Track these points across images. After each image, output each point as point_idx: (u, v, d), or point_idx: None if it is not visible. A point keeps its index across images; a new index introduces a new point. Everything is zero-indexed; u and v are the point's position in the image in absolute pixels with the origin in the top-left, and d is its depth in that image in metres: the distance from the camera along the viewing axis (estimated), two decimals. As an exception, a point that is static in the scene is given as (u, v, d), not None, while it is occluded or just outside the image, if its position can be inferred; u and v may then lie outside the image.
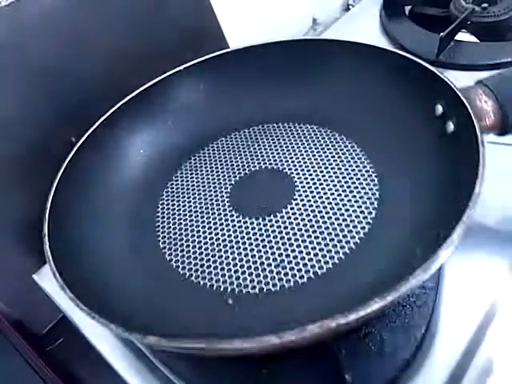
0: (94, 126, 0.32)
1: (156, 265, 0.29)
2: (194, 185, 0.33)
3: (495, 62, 0.41)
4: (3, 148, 0.32)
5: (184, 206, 0.32)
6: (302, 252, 0.27)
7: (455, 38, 0.43)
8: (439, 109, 0.27)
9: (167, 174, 0.34)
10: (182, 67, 0.36)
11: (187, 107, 0.37)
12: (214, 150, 0.35)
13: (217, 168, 0.34)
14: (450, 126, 0.26)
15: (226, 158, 0.34)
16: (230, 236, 0.29)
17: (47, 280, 0.34)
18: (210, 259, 0.28)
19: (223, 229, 0.29)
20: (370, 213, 0.28)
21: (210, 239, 0.29)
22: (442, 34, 0.41)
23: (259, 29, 0.54)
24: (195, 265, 0.28)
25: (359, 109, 0.33)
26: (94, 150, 0.32)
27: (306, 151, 0.33)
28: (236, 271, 0.27)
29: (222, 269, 0.27)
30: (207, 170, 0.34)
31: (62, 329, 0.34)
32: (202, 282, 0.27)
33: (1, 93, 0.31)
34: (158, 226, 0.31)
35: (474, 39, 0.45)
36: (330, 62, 0.35)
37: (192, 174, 0.34)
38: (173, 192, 0.33)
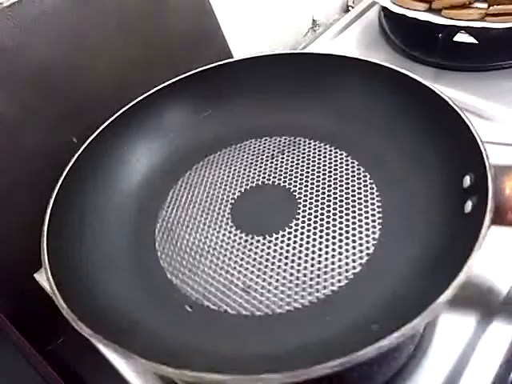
0: (94, 135, 0.31)
1: (153, 276, 0.28)
2: (194, 198, 0.32)
3: (494, 64, 0.41)
4: (3, 148, 0.32)
5: (184, 218, 0.31)
6: (281, 282, 0.26)
7: (454, 38, 0.44)
8: (467, 181, 0.24)
9: (166, 187, 0.33)
10: (181, 77, 0.35)
11: (186, 118, 0.36)
12: (214, 162, 0.35)
13: (217, 181, 0.33)
14: (468, 207, 0.23)
15: (226, 171, 0.34)
16: (226, 251, 0.28)
17: (48, 279, 0.34)
18: (207, 278, 0.27)
19: (224, 246, 0.29)
20: (373, 238, 0.27)
21: (206, 252, 0.28)
22: (440, 34, 0.42)
23: (259, 29, 0.54)
24: (195, 282, 0.27)
25: (371, 131, 0.32)
26: (93, 160, 0.31)
27: (308, 167, 0.32)
28: (213, 287, 0.27)
29: (212, 286, 0.27)
30: (208, 183, 0.33)
31: (62, 328, 0.34)
32: (185, 293, 0.27)
33: (1, 93, 0.31)
34: (157, 236, 0.30)
35: (472, 40, 0.45)
36: (341, 80, 0.34)
37: (192, 186, 0.33)
38: (173, 205, 0.32)
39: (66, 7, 0.33)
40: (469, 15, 0.39)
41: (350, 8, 0.62)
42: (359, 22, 0.54)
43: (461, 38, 0.45)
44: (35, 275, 0.35)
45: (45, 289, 0.34)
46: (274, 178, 0.32)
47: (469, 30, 0.42)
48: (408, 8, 0.43)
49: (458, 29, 0.43)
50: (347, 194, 0.30)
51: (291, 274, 0.26)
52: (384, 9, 0.47)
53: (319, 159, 0.33)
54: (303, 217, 0.29)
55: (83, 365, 0.33)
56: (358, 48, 0.50)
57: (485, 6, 0.39)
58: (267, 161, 0.33)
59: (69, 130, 0.35)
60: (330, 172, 0.31)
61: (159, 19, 0.39)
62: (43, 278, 0.34)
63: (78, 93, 0.35)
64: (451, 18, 0.40)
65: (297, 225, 0.28)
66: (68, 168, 0.29)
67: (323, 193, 0.30)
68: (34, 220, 0.34)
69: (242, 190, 0.32)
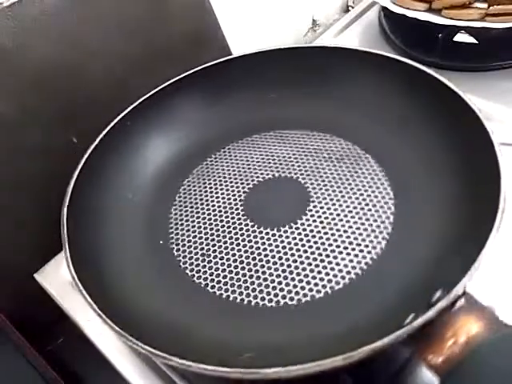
0: (108, 129, 0.32)
1: (168, 269, 0.28)
2: (207, 189, 0.33)
3: (494, 64, 0.41)
4: (3, 148, 0.32)
5: (197, 212, 0.31)
6: (298, 274, 0.26)
7: (454, 38, 0.44)
8: (435, 296, 0.21)
9: (178, 181, 0.34)
10: (190, 72, 0.35)
11: (197, 113, 0.37)
12: (227, 155, 0.35)
13: (230, 174, 0.33)
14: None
15: (239, 163, 0.34)
16: (238, 245, 0.28)
17: (49, 279, 0.34)
18: (219, 267, 0.28)
19: (237, 238, 0.29)
20: (383, 231, 0.27)
21: (221, 247, 0.29)
22: (440, 34, 0.42)
23: (259, 29, 0.54)
24: (207, 272, 0.28)
25: (381, 125, 0.32)
26: (106, 154, 0.32)
27: (320, 160, 0.32)
28: (242, 281, 0.27)
29: (225, 276, 0.27)
30: (221, 175, 0.33)
31: (62, 328, 0.34)
32: (211, 290, 0.27)
33: (1, 93, 0.31)
34: (172, 232, 0.30)
35: (472, 40, 0.45)
36: (350, 72, 0.34)
37: (205, 178, 0.33)
38: (185, 198, 0.32)
39: (66, 7, 0.33)
40: (469, 15, 0.39)
41: (350, 8, 0.62)
42: (359, 22, 0.54)
43: (461, 37, 0.45)
44: (35, 275, 0.35)
45: (46, 288, 0.34)
46: (287, 171, 0.32)
47: (469, 30, 0.42)
48: (408, 8, 0.43)
49: (457, 29, 0.43)
50: (360, 188, 0.30)
51: (297, 267, 0.26)
52: (384, 9, 0.47)
53: (329, 152, 0.33)
54: (314, 211, 0.29)
55: (83, 365, 0.33)
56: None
57: (485, 5, 0.39)
58: (280, 154, 0.34)
59: (69, 130, 0.35)
60: (342, 166, 0.32)
61: (159, 19, 0.39)
62: (44, 278, 0.34)
63: (78, 93, 0.35)
64: (451, 18, 0.40)
65: (307, 219, 0.29)
66: (82, 162, 0.30)
67: (334, 187, 0.30)
68: (34, 220, 0.35)
69: (254, 183, 0.32)
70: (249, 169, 0.33)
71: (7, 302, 0.35)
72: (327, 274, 0.26)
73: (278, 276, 0.26)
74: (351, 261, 0.26)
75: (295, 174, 0.32)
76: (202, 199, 0.32)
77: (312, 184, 0.31)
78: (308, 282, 0.26)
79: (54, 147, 0.34)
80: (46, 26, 0.32)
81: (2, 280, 0.35)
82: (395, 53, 0.47)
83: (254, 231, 0.29)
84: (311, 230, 0.28)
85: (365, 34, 0.52)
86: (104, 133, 0.32)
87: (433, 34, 0.44)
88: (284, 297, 0.25)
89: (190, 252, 0.29)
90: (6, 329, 0.31)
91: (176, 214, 0.32)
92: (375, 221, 0.28)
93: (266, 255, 0.27)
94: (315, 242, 0.27)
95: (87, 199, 0.29)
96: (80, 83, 0.35)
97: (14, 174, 0.33)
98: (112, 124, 0.32)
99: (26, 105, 0.32)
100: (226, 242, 0.29)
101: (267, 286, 0.26)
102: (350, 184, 0.30)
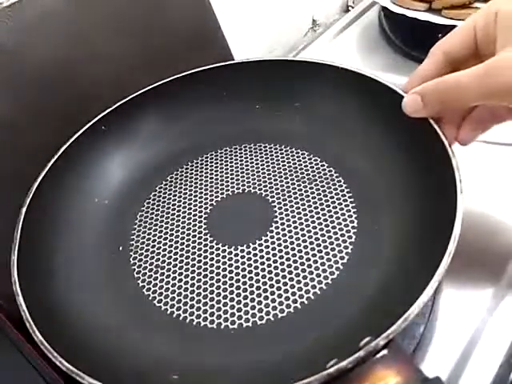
0: (65, 147, 0.31)
1: (120, 277, 0.28)
2: (170, 205, 0.32)
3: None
4: (3, 148, 0.32)
5: (161, 223, 0.31)
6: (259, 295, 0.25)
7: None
8: (362, 343, 0.19)
9: (143, 194, 0.33)
10: (157, 84, 0.35)
11: (162, 126, 0.36)
12: (191, 170, 0.34)
13: (194, 190, 0.33)
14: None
15: (203, 179, 0.33)
16: (194, 260, 0.28)
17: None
18: (169, 281, 0.27)
19: (193, 253, 0.28)
20: (338, 261, 0.26)
21: (176, 261, 0.28)
22: (440, 34, 0.42)
23: (259, 29, 0.54)
24: (157, 285, 0.27)
25: (350, 140, 0.32)
26: (68, 168, 0.32)
27: (288, 177, 0.32)
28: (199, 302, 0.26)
29: (173, 291, 0.27)
30: (184, 192, 0.33)
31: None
32: (169, 311, 0.26)
33: (1, 93, 0.31)
34: (132, 250, 0.30)
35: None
36: (321, 87, 0.33)
37: (168, 194, 0.33)
38: (149, 212, 0.32)
39: (66, 7, 0.33)
40: (469, 15, 0.39)
41: (350, 8, 0.62)
42: (359, 22, 0.54)
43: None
44: (35, 275, 0.35)
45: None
46: (251, 186, 0.32)
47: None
48: (408, 8, 0.43)
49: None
50: (324, 202, 0.29)
51: (245, 290, 0.26)
52: (384, 9, 0.47)
53: (296, 167, 0.32)
54: (275, 232, 0.28)
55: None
56: (357, 48, 0.50)
57: (485, 6, 0.39)
58: (245, 168, 0.33)
59: (69, 130, 0.35)
60: (311, 184, 0.31)
61: (159, 19, 0.39)
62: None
63: (78, 93, 0.35)
64: (451, 18, 0.40)
65: (266, 240, 0.28)
66: (42, 175, 0.30)
67: (300, 207, 0.30)
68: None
69: (219, 199, 0.32)
70: (217, 182, 0.33)
71: (7, 301, 0.35)
72: (273, 300, 0.25)
73: (225, 297, 0.26)
74: (300, 289, 0.25)
75: (261, 190, 0.31)
76: (167, 211, 0.31)
77: (279, 202, 0.30)
78: (253, 307, 0.25)
79: (54, 147, 0.34)
80: (46, 26, 0.32)
81: (2, 280, 0.35)
82: (395, 53, 0.47)
83: (211, 247, 0.28)
84: (267, 252, 0.27)
85: (365, 34, 0.52)
86: (65, 147, 0.31)
87: (433, 33, 0.44)
88: (226, 320, 0.25)
89: (146, 262, 0.28)
90: (5, 328, 0.31)
91: (140, 224, 0.31)
92: (333, 249, 0.27)
93: (217, 274, 0.27)
94: (269, 265, 0.26)
95: (48, 207, 0.29)
96: (80, 83, 0.35)
97: (14, 174, 0.33)
98: (73, 138, 0.32)
99: (25, 105, 0.32)
100: (182, 256, 0.28)
101: (212, 307, 0.25)
102: (316, 205, 0.29)
